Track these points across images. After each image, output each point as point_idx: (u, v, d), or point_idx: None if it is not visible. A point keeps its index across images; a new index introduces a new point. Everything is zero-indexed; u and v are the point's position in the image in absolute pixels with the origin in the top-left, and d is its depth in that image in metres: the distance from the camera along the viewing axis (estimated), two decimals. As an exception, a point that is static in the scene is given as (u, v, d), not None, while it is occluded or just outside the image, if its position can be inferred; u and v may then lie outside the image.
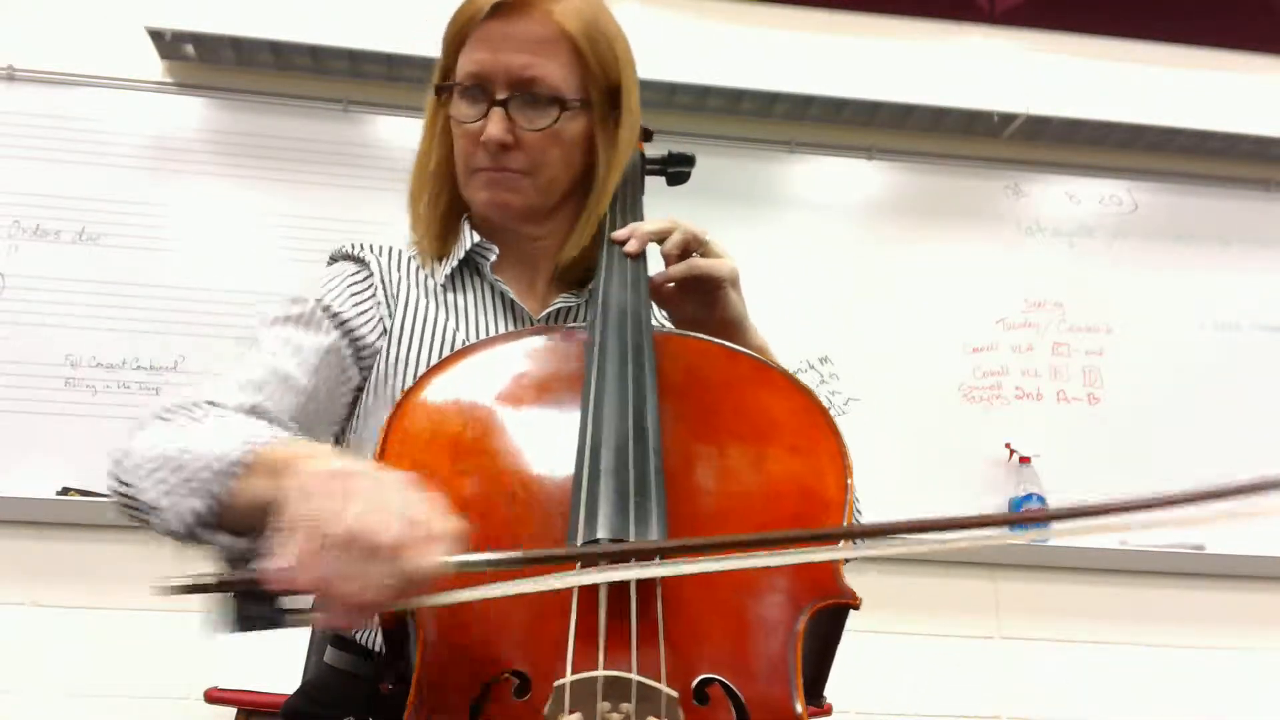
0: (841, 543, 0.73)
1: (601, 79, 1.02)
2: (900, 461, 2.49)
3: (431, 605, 0.64)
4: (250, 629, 0.65)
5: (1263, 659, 2.61)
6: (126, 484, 0.80)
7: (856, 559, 0.72)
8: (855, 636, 2.90)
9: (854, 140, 2.85)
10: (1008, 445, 2.64)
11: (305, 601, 0.63)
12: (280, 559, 0.62)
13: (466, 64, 1.00)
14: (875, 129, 2.86)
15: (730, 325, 0.98)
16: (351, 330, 0.99)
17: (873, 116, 2.82)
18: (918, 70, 2.86)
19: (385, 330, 1.00)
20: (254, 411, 0.88)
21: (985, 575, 2.62)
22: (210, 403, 0.86)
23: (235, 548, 0.78)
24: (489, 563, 0.64)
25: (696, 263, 0.98)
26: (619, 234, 1.01)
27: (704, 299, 0.99)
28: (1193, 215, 2.88)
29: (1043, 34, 2.95)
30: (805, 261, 2.73)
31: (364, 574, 0.60)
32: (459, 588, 0.64)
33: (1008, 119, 2.80)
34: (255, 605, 0.64)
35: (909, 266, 2.77)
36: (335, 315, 0.99)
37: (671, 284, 0.99)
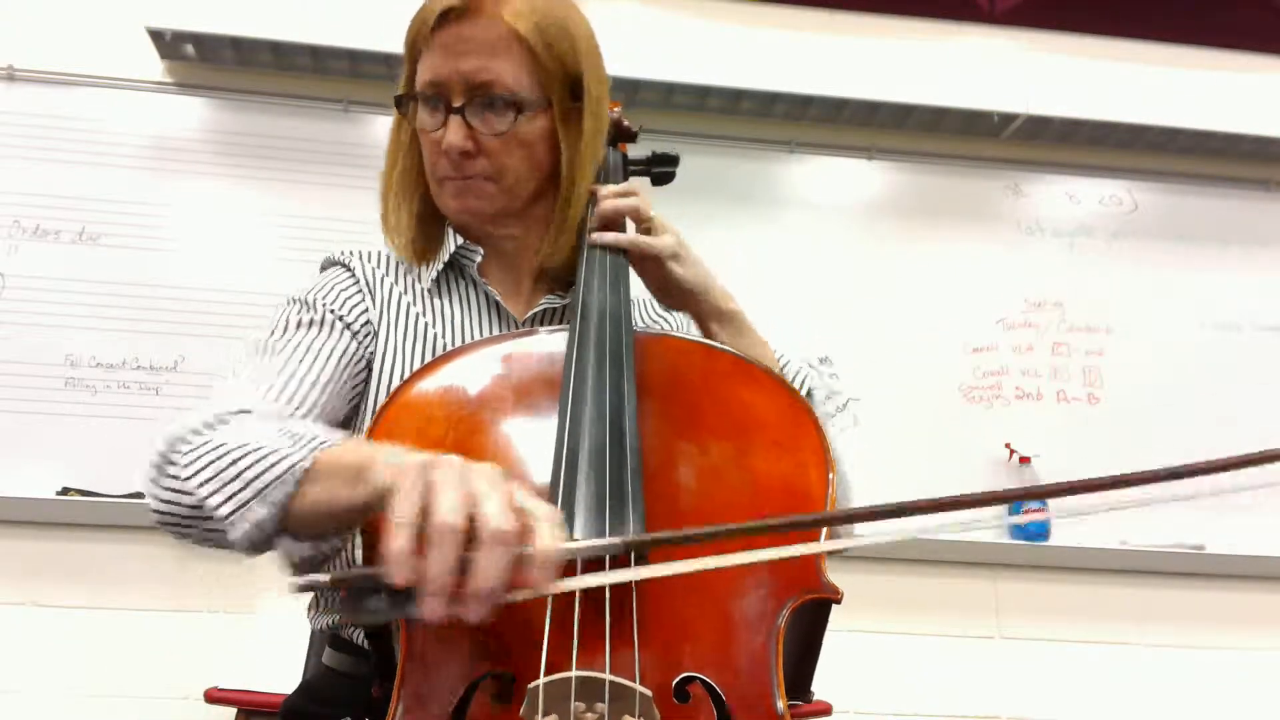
0: (824, 533, 0.73)
1: (559, 73, 1.01)
2: (900, 461, 2.49)
3: (535, 596, 0.62)
4: (373, 621, 0.65)
5: (1263, 659, 2.61)
6: (185, 493, 0.79)
7: (835, 551, 0.71)
8: (855, 636, 2.88)
9: (854, 140, 2.85)
10: (1008, 445, 2.64)
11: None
12: (390, 553, 0.60)
13: (424, 72, 1.00)
14: (875, 129, 2.86)
15: (686, 295, 1.01)
16: (356, 333, 1.00)
17: (873, 116, 2.82)
18: (918, 70, 2.85)
19: (374, 333, 1.01)
20: (286, 417, 0.88)
21: (985, 575, 2.62)
22: (244, 411, 0.86)
23: (300, 552, 0.79)
24: (602, 547, 0.63)
25: (636, 238, 1.00)
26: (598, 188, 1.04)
27: (651, 274, 1.01)
28: (1193, 215, 2.88)
29: (1043, 34, 2.94)
30: (805, 261, 2.73)
31: (476, 562, 0.59)
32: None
33: (1008, 119, 2.80)
34: (374, 600, 0.62)
35: (909, 266, 2.76)
36: (342, 318, 1.00)
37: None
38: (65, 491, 2.30)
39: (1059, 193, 2.88)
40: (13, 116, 2.54)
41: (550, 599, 0.67)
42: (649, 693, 0.63)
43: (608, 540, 0.65)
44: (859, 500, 1.06)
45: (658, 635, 0.69)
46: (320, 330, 0.99)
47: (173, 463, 0.80)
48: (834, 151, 2.84)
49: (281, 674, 1.16)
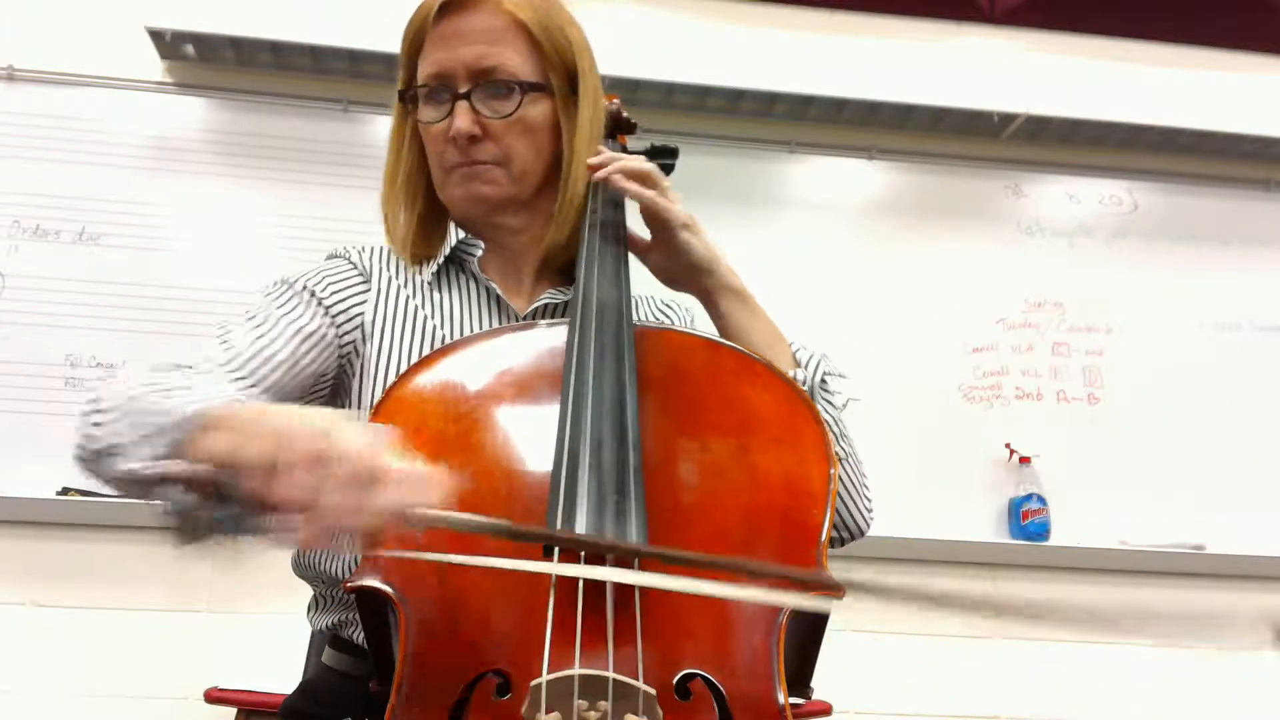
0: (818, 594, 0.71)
1: (559, 63, 1.03)
2: (900, 461, 2.49)
3: (403, 558, 0.63)
4: (210, 535, 0.63)
5: (1263, 659, 2.61)
6: (95, 426, 0.79)
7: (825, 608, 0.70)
8: (855, 636, 2.88)
9: (854, 140, 2.85)
10: (1008, 445, 2.64)
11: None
12: (269, 476, 0.61)
13: (426, 66, 1.02)
14: (875, 129, 2.85)
15: (695, 268, 1.01)
16: (335, 317, 1.00)
17: (873, 116, 2.81)
18: (918, 70, 2.86)
19: (362, 325, 1.01)
20: (230, 378, 0.89)
21: (985, 575, 2.62)
22: (187, 366, 0.88)
23: (183, 501, 0.75)
24: (469, 524, 0.62)
25: (655, 198, 1.00)
26: (594, 160, 1.03)
27: (665, 245, 1.01)
28: (1193, 215, 2.88)
29: (1043, 34, 2.95)
30: (805, 261, 2.73)
31: (351, 498, 0.60)
32: (437, 550, 0.64)
33: (1008, 119, 2.80)
34: (222, 510, 0.62)
35: (909, 266, 2.76)
36: (320, 300, 1.00)
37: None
38: (65, 491, 2.30)
39: (1059, 193, 2.88)
40: (13, 116, 2.54)
41: (551, 595, 0.67)
42: (653, 691, 0.63)
43: (478, 518, 0.63)
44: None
45: (660, 633, 0.68)
46: (294, 307, 0.99)
47: (94, 404, 0.81)
48: (834, 151, 2.84)
49: (281, 674, 1.16)
